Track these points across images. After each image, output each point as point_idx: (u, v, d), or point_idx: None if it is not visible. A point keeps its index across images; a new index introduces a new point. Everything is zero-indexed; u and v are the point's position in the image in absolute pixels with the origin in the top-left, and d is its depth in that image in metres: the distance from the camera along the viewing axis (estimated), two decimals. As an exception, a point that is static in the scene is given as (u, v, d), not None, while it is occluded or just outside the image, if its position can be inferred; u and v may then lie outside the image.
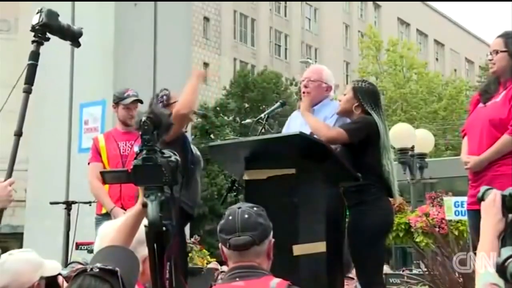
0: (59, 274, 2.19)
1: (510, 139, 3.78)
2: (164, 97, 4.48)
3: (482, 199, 2.11)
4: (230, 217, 2.52)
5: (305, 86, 4.42)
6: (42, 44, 2.39)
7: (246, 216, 2.49)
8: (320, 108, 4.36)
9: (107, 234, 2.64)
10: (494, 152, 3.83)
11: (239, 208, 2.54)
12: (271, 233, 2.54)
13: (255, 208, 2.54)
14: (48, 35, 2.44)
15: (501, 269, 1.81)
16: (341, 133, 3.91)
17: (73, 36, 2.44)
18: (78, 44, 2.44)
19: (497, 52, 3.89)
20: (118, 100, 5.15)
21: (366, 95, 4.04)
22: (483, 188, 2.12)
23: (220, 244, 2.57)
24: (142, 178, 2.23)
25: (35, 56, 2.43)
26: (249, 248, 2.47)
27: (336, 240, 3.97)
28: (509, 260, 1.82)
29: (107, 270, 1.93)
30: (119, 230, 2.36)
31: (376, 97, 4.11)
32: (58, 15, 2.37)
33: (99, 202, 5.02)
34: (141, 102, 5.07)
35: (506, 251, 1.84)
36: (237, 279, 2.45)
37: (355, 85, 4.13)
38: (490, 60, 3.95)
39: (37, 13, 2.36)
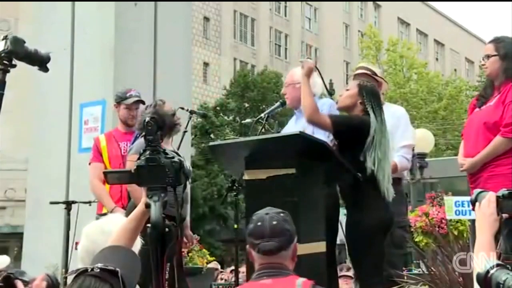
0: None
1: (503, 140, 3.88)
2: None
3: (475, 201, 2.16)
4: (259, 223, 2.66)
5: (284, 94, 4.57)
6: (8, 71, 2.35)
7: (274, 222, 2.64)
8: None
9: (91, 233, 2.66)
10: (487, 154, 3.92)
11: (266, 214, 2.69)
12: (296, 237, 2.70)
13: (281, 214, 2.70)
14: (15, 61, 2.39)
15: (484, 282, 1.85)
16: (325, 121, 3.88)
17: (41, 61, 2.41)
18: (46, 69, 2.40)
19: (488, 56, 4.04)
20: (119, 100, 5.14)
21: (370, 94, 4.03)
22: (476, 191, 2.18)
23: (247, 247, 2.71)
24: (146, 179, 2.22)
25: (1, 85, 2.36)
26: (276, 253, 2.62)
27: (332, 239, 4.00)
28: (492, 271, 1.87)
29: (107, 270, 1.92)
30: (121, 232, 2.35)
31: (379, 97, 4.12)
32: (24, 42, 2.34)
33: (100, 202, 5.02)
34: (143, 102, 5.05)
35: (488, 263, 1.90)
36: (265, 277, 2.60)
37: (361, 83, 4.12)
38: (483, 65, 4.11)
39: (2, 39, 2.33)
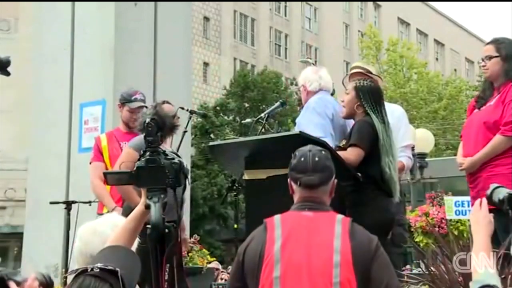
0: None
1: (502, 139, 3.88)
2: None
3: (491, 196, 2.16)
4: (302, 158, 2.77)
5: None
6: None
7: (317, 158, 2.75)
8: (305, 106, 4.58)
9: (84, 234, 2.66)
10: (487, 152, 3.92)
11: (309, 151, 2.80)
12: (334, 174, 2.82)
13: (323, 152, 2.82)
14: None
15: (489, 198, 1.94)
16: (357, 152, 3.87)
17: (0, 66, 2.38)
18: (7, 73, 2.37)
19: (489, 57, 4.02)
20: (124, 101, 5.11)
21: (368, 94, 4.01)
22: (492, 186, 2.18)
23: (289, 180, 2.82)
24: (146, 180, 2.23)
25: None
26: (318, 187, 2.74)
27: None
28: (496, 190, 2.12)
29: (107, 270, 1.92)
30: (120, 232, 2.35)
31: (379, 95, 4.08)
32: None
33: (100, 202, 5.01)
34: (147, 107, 5.04)
35: (493, 185, 2.02)
36: (307, 209, 2.71)
37: (357, 84, 4.09)
38: (483, 66, 4.07)
39: None
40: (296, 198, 2.79)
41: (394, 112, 4.91)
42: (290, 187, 2.82)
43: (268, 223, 2.69)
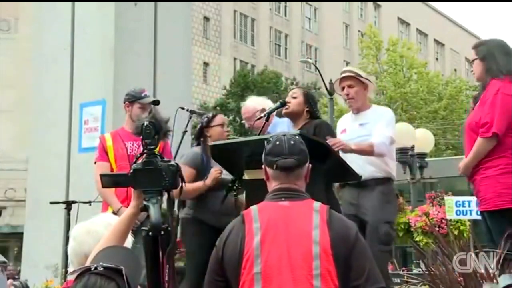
0: None
1: (482, 141, 3.92)
2: (205, 119, 4.80)
3: None
4: (278, 142, 2.76)
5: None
6: None
7: (292, 142, 2.76)
8: (272, 129, 4.87)
9: (78, 235, 2.66)
10: (473, 156, 3.97)
11: (284, 135, 2.81)
12: (308, 159, 2.81)
13: (297, 136, 2.83)
14: None
15: None
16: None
17: None
18: None
19: (472, 60, 4.16)
20: (134, 99, 5.08)
21: (314, 102, 4.38)
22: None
23: (263, 166, 2.79)
24: (142, 182, 2.24)
25: None
26: (294, 170, 2.72)
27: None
28: None
29: (112, 268, 1.91)
30: (112, 234, 2.35)
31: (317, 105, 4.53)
32: None
33: (104, 202, 4.97)
34: (158, 102, 5.06)
35: (505, 279, 1.86)
36: (283, 199, 2.69)
37: (305, 91, 4.45)
38: (472, 70, 4.25)
39: None
40: (271, 185, 2.77)
41: (381, 110, 4.91)
42: (265, 173, 2.79)
43: (246, 216, 2.66)
